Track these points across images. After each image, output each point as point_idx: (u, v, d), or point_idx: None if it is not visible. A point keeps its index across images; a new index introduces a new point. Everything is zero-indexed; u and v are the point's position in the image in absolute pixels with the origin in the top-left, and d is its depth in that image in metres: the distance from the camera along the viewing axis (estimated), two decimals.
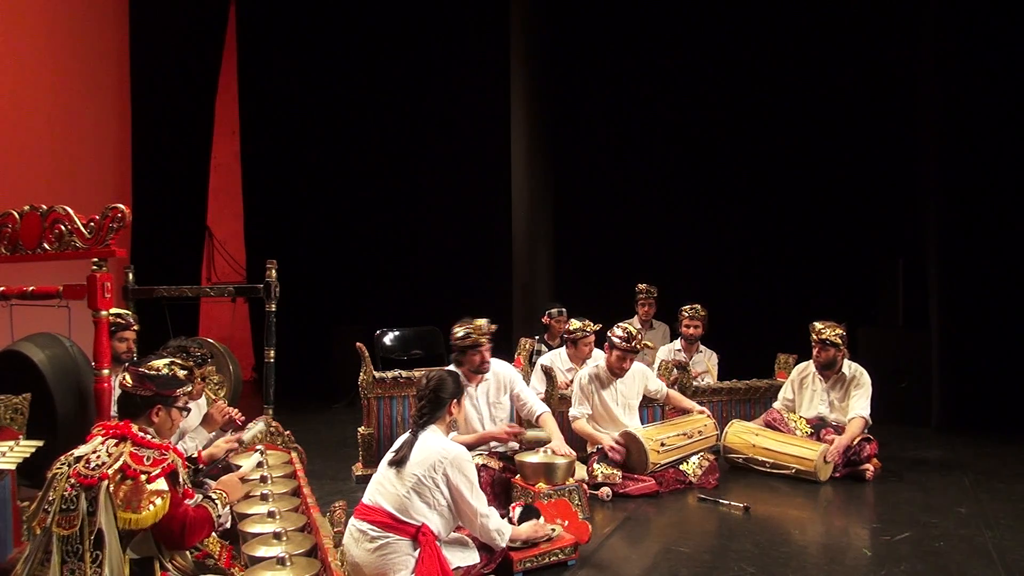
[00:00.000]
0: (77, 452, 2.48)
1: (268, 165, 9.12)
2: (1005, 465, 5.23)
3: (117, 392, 2.71)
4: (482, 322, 4.36)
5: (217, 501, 2.78)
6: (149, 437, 2.54)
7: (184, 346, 3.69)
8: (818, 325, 5.11)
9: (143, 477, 2.39)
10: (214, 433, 3.84)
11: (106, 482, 2.37)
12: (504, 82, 7.83)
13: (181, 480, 2.52)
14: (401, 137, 9.11)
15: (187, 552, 2.69)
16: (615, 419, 4.84)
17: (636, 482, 4.55)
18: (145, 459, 2.44)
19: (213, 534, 2.96)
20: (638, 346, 4.80)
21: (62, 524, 2.36)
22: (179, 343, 3.73)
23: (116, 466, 2.40)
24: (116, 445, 2.47)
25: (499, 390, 4.52)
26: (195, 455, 3.32)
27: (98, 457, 2.43)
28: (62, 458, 2.50)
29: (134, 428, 2.53)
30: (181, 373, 2.71)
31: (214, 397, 4.04)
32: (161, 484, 2.42)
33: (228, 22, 9.08)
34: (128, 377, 2.64)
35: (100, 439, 2.50)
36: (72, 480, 2.39)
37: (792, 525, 4.10)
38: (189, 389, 2.77)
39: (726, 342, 6.39)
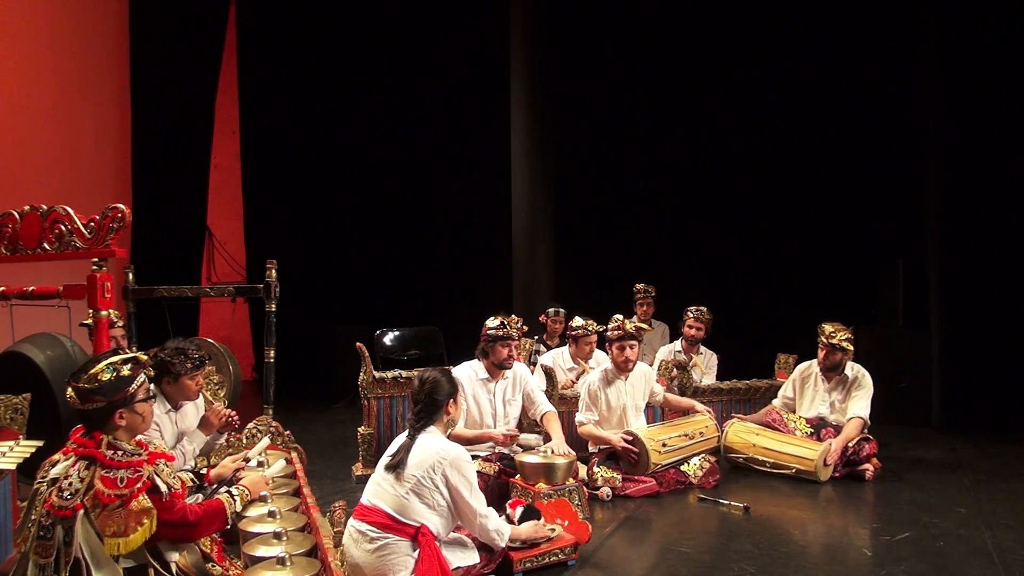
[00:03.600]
0: (53, 471, 2.39)
1: (268, 165, 9.13)
2: (1005, 465, 5.23)
3: None
4: (518, 319, 4.55)
5: (237, 498, 2.73)
6: (119, 455, 2.41)
7: (182, 348, 3.63)
8: (828, 328, 5.08)
9: (118, 502, 2.32)
10: (211, 435, 3.83)
11: (81, 512, 2.31)
12: (504, 82, 7.83)
13: (164, 489, 2.43)
14: (401, 137, 9.11)
15: (195, 547, 2.69)
16: (623, 420, 4.83)
17: (636, 483, 4.55)
18: (119, 481, 2.35)
19: None
20: (633, 330, 4.77)
21: (39, 551, 2.31)
22: (177, 344, 3.67)
23: (90, 493, 2.32)
24: (87, 469, 2.37)
25: (515, 388, 4.61)
26: (203, 472, 3.30)
27: (70, 485, 2.34)
28: (45, 466, 2.44)
29: (103, 447, 2.41)
30: (126, 370, 2.50)
31: (212, 400, 4.01)
32: (144, 501, 2.36)
33: (228, 22, 9.09)
34: (72, 394, 2.44)
35: (73, 458, 2.40)
36: (47, 509, 2.32)
37: (792, 525, 4.10)
38: (143, 380, 2.56)
39: (726, 342, 6.39)
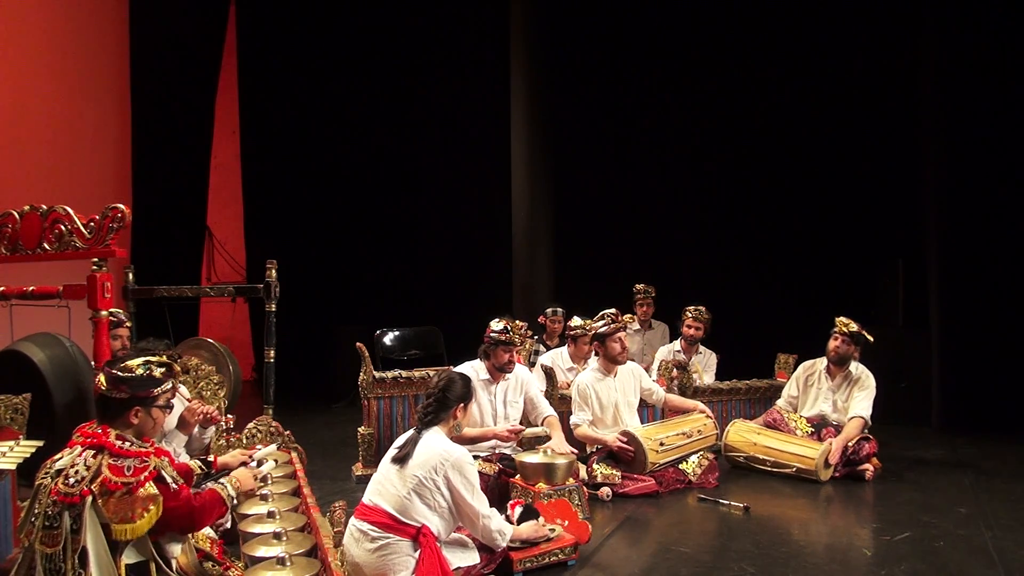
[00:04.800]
0: (58, 463, 2.42)
1: (268, 165, 9.13)
2: (1005, 465, 5.23)
3: None
4: (523, 325, 4.56)
5: (228, 485, 2.75)
6: (128, 445, 2.45)
7: (149, 348, 3.58)
8: (844, 319, 5.18)
9: (124, 489, 2.35)
10: (194, 434, 3.81)
11: (89, 498, 2.33)
12: (504, 83, 7.83)
13: (169, 480, 2.47)
14: (401, 137, 9.11)
15: (192, 547, 2.69)
16: (616, 418, 4.84)
17: (636, 482, 4.55)
18: (126, 470, 2.38)
19: (207, 530, 2.96)
20: (620, 319, 4.82)
21: (45, 541, 2.32)
22: (144, 344, 3.63)
23: (97, 480, 2.35)
24: (94, 457, 2.40)
25: (516, 390, 4.62)
26: (210, 460, 3.31)
27: (76, 472, 2.37)
28: (47, 464, 2.46)
29: (111, 437, 2.45)
30: (158, 372, 2.58)
31: (188, 397, 3.98)
32: (150, 488, 2.39)
33: (228, 22, 9.09)
34: (103, 379, 2.52)
35: (79, 449, 2.43)
36: (53, 498, 2.34)
37: (792, 525, 4.10)
38: (169, 387, 2.62)
39: (726, 342, 6.39)
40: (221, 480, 2.78)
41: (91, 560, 2.31)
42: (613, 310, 4.85)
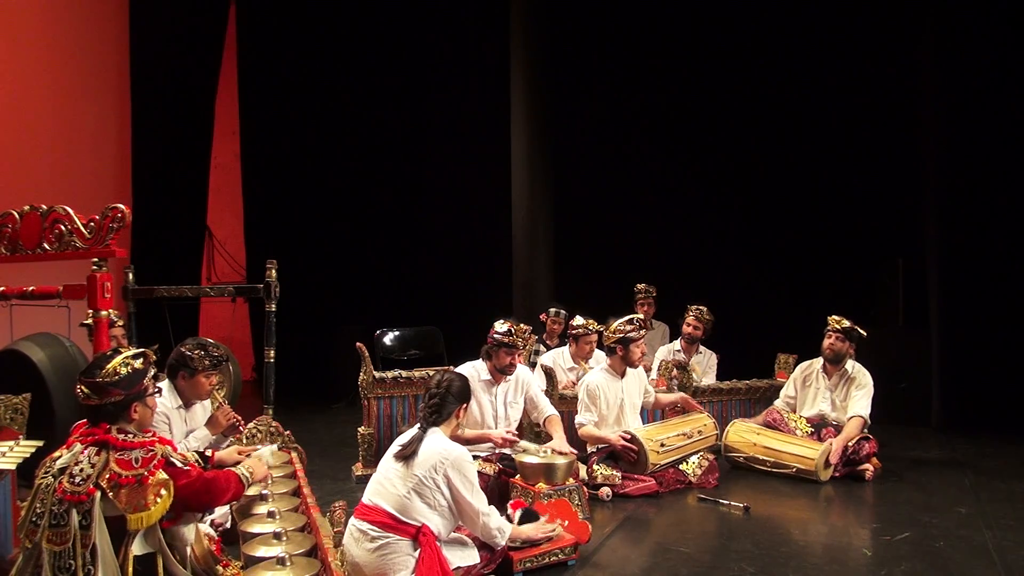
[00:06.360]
0: (59, 462, 2.43)
1: (268, 165, 9.13)
2: (1005, 465, 5.23)
3: None
4: (527, 328, 4.57)
5: (244, 469, 2.86)
6: (131, 437, 2.49)
7: (203, 344, 3.72)
8: (836, 317, 5.22)
9: (136, 480, 2.38)
10: (217, 436, 3.84)
11: (98, 495, 2.34)
12: (504, 82, 7.83)
13: (178, 463, 2.51)
14: (401, 137, 9.12)
15: (204, 539, 2.70)
16: (619, 419, 4.84)
17: (636, 482, 4.55)
18: (134, 461, 2.41)
19: (203, 527, 2.96)
20: (643, 325, 4.88)
21: (53, 540, 2.33)
22: (198, 341, 3.75)
23: (106, 477, 2.37)
24: (98, 454, 2.42)
25: (517, 391, 4.62)
26: (208, 454, 3.32)
27: (81, 470, 2.38)
28: (46, 462, 2.46)
29: (113, 432, 2.48)
30: (138, 363, 2.60)
31: (220, 401, 4.02)
32: (161, 475, 2.42)
33: (228, 22, 9.09)
34: (86, 390, 2.49)
35: (80, 446, 2.44)
36: (59, 496, 2.35)
37: (792, 525, 4.10)
38: (154, 372, 2.66)
39: (726, 342, 6.39)
40: (239, 469, 2.87)
41: (99, 557, 2.33)
42: (640, 316, 4.96)
